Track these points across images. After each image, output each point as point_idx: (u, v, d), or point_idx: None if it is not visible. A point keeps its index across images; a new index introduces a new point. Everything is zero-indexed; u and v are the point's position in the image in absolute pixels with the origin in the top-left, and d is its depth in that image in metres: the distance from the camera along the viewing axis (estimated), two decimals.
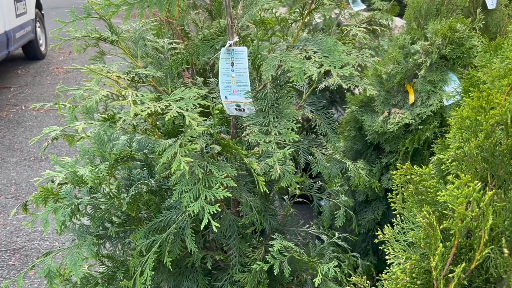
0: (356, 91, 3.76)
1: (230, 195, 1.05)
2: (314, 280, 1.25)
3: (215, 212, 1.02)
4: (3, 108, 6.08)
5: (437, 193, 0.98)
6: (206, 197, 1.03)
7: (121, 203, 1.23)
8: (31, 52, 8.09)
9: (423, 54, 2.20)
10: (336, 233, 1.72)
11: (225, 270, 1.55)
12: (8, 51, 6.51)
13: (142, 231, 1.25)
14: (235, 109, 1.33)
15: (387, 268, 1.12)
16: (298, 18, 1.38)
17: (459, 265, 0.88)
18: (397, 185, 1.11)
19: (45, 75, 7.57)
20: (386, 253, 1.06)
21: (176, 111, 0.93)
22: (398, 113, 2.18)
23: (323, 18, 3.83)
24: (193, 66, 2.39)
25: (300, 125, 1.49)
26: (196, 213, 1.01)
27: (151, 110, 0.92)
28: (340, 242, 1.69)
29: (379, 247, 2.38)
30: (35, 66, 8.00)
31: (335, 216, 1.65)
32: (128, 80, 1.26)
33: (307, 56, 1.08)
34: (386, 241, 1.09)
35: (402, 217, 1.16)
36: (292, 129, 1.13)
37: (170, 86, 1.45)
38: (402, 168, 1.08)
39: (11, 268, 3.27)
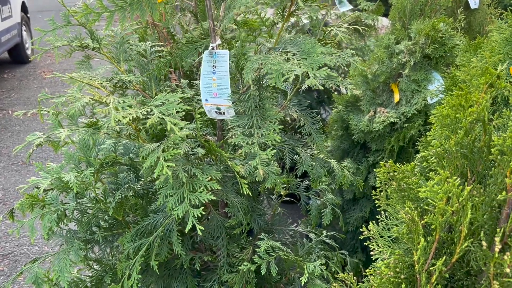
0: (344, 91, 3.78)
1: (215, 198, 1.06)
2: (300, 279, 1.27)
3: (200, 215, 1.03)
4: None
5: (419, 190, 1.01)
6: (190, 201, 1.04)
7: (108, 208, 1.24)
8: (17, 56, 8.01)
9: (407, 54, 2.23)
10: (324, 232, 1.74)
11: (214, 270, 1.56)
12: None
13: (129, 234, 1.25)
14: (215, 112, 1.34)
15: (373, 264, 1.15)
16: (279, 20, 1.39)
17: (440, 259, 0.90)
18: (380, 183, 1.13)
19: (31, 79, 7.50)
20: (371, 249, 1.07)
21: (158, 117, 0.94)
22: (383, 112, 2.20)
23: (310, 19, 3.86)
24: (180, 68, 2.39)
25: (283, 126, 1.50)
26: (180, 216, 1.02)
27: (132, 116, 0.93)
28: (327, 240, 1.71)
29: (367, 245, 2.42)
30: (21, 70, 7.92)
31: (323, 214, 1.66)
32: (111, 86, 1.26)
33: (286, 58, 1.09)
34: (371, 237, 1.11)
35: (386, 214, 1.18)
36: (275, 131, 1.14)
37: (154, 90, 1.46)
38: (385, 165, 1.10)
39: (0, 274, 3.25)
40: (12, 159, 4.84)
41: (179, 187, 1.06)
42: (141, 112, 0.95)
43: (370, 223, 1.11)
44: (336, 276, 1.55)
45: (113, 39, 1.48)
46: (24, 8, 8.25)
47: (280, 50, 1.14)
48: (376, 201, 1.16)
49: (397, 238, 1.12)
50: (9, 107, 6.22)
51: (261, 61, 1.07)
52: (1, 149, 5.05)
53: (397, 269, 0.99)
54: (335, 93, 3.39)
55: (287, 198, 1.78)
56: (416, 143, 2.08)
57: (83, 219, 1.33)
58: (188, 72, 2.49)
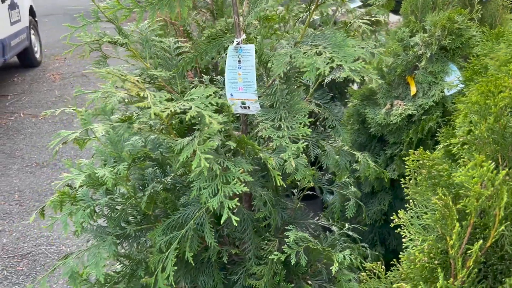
0: (355, 86, 3.79)
1: (248, 189, 1.08)
2: (330, 268, 1.28)
3: (234, 206, 1.05)
4: (2, 116, 6.08)
5: (451, 176, 1.02)
6: (224, 192, 1.05)
7: (139, 203, 1.26)
8: (27, 60, 8.08)
9: (423, 46, 2.23)
10: (346, 224, 1.75)
11: (240, 263, 1.58)
12: (4, 59, 6.51)
13: (160, 228, 1.27)
14: (240, 107, 1.36)
15: (402, 252, 1.16)
16: (304, 14, 1.40)
17: (475, 243, 0.91)
18: (410, 171, 1.14)
19: (41, 82, 7.57)
20: (403, 236, 1.09)
21: (196, 111, 0.96)
22: (400, 104, 2.21)
23: (320, 15, 3.86)
24: (197, 65, 2.41)
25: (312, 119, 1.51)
26: (215, 208, 1.03)
27: (170, 111, 0.95)
28: (350, 233, 1.72)
29: (386, 238, 2.42)
30: (31, 73, 7.99)
31: (346, 207, 1.68)
32: (141, 82, 1.28)
33: (317, 51, 1.10)
34: (402, 225, 1.12)
35: (415, 202, 1.19)
36: (305, 124, 1.16)
37: (179, 86, 1.48)
38: (414, 153, 1.11)
39: (20, 274, 3.29)
40: (26, 161, 4.89)
41: (212, 179, 1.08)
42: (178, 107, 0.97)
43: (400, 211, 1.12)
44: (363, 266, 1.57)
45: (136, 36, 1.50)
46: (32, 12, 8.32)
47: (309, 43, 1.16)
48: (405, 190, 1.17)
49: (427, 226, 1.13)
50: (21, 110, 6.28)
51: (292, 54, 1.08)
52: (15, 152, 5.10)
53: (431, 255, 1.00)
54: (348, 87, 3.39)
55: (308, 192, 1.79)
56: (436, 135, 2.09)
57: (112, 215, 1.35)
58: (204, 70, 2.51)
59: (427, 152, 1.08)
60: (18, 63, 8.23)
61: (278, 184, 1.09)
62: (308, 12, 1.36)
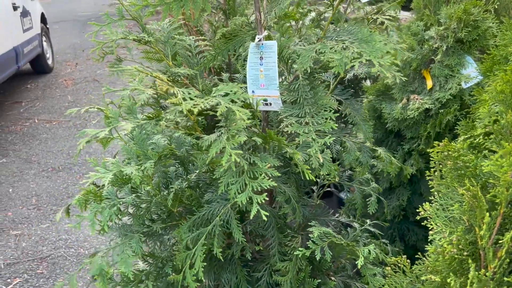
0: (367, 83, 3.78)
1: (276, 184, 1.09)
2: (356, 262, 1.28)
3: (262, 201, 1.06)
4: (17, 122, 6.16)
5: (478, 166, 1.01)
6: (252, 188, 1.06)
7: (164, 200, 1.27)
8: (39, 66, 8.18)
9: (438, 39, 2.22)
10: (368, 220, 1.75)
11: (263, 260, 1.59)
12: (17, 66, 6.60)
13: (186, 225, 1.28)
14: (262, 103, 1.36)
15: (423, 247, 1.15)
16: (327, 9, 1.40)
17: (506, 233, 0.91)
18: (434, 163, 1.14)
19: (54, 88, 7.65)
20: (430, 228, 1.08)
21: (225, 106, 0.97)
22: (417, 99, 2.20)
23: (332, 12, 3.86)
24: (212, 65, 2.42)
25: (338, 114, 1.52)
26: (243, 203, 1.04)
27: (200, 107, 0.96)
28: (371, 229, 1.72)
29: (405, 234, 2.41)
30: (43, 79, 8.09)
31: (368, 203, 1.67)
32: (167, 79, 1.30)
33: (344, 46, 1.11)
34: (428, 217, 1.11)
35: (439, 194, 1.19)
36: (331, 119, 1.16)
37: (200, 84, 1.49)
38: (438, 145, 1.11)
39: (40, 276, 3.33)
40: (42, 166, 4.95)
41: (239, 175, 1.09)
42: (208, 102, 0.98)
43: (425, 203, 1.12)
44: (386, 260, 1.56)
45: (160, 34, 1.52)
46: (43, 19, 8.42)
47: (334, 39, 1.16)
48: (430, 182, 1.17)
49: (453, 218, 1.13)
50: (35, 116, 6.36)
51: (319, 50, 1.09)
52: (31, 157, 5.16)
53: (460, 246, 1.00)
54: (361, 84, 3.39)
55: (327, 189, 1.79)
56: (454, 128, 2.08)
57: (138, 213, 1.36)
58: (218, 70, 2.53)
59: (452, 143, 1.08)
60: (31, 70, 8.34)
61: (308, 178, 1.09)
62: (331, 8, 1.36)
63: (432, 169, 1.14)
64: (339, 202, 3.03)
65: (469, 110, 2.10)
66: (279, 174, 1.11)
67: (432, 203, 1.15)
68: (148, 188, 1.30)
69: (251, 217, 1.03)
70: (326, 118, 1.16)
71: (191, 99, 0.99)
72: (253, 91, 1.41)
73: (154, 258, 1.52)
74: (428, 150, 1.20)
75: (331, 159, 1.28)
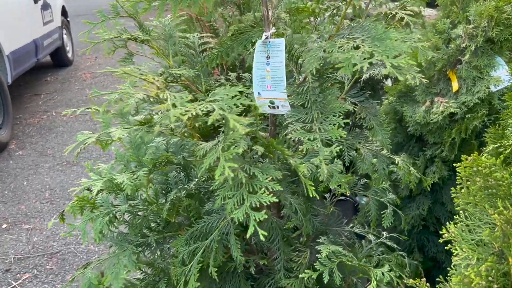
0: (389, 82, 3.62)
1: (277, 200, 0.98)
2: (367, 286, 1.16)
3: (261, 219, 0.95)
4: (35, 115, 6.19)
5: None
6: (251, 203, 0.96)
7: (160, 209, 1.18)
8: (59, 59, 8.22)
9: (467, 38, 2.06)
10: (384, 233, 1.62)
11: (268, 275, 1.48)
12: (37, 59, 6.63)
13: (183, 238, 1.19)
14: (269, 106, 1.25)
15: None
16: (341, 4, 1.27)
17: None
18: (461, 179, 1.01)
19: (73, 81, 7.68)
20: (454, 254, 0.95)
21: (219, 113, 0.86)
22: (441, 102, 2.05)
23: (353, 8, 3.71)
24: (224, 62, 2.32)
25: (348, 120, 1.39)
26: (241, 220, 0.94)
27: (192, 113, 0.85)
28: (388, 243, 1.59)
29: (425, 244, 2.27)
30: (63, 72, 8.13)
31: (383, 216, 1.54)
32: (162, 81, 1.20)
33: (355, 45, 0.98)
34: (452, 240, 0.98)
35: (466, 214, 1.05)
36: (339, 125, 1.04)
37: (204, 84, 1.38)
38: (466, 159, 0.98)
39: (49, 272, 3.30)
40: (57, 159, 4.94)
41: (238, 188, 0.98)
42: (200, 109, 0.88)
43: (450, 224, 0.99)
44: (398, 280, 1.44)
45: (158, 32, 1.42)
46: (64, 12, 8.46)
47: (345, 36, 1.04)
48: (455, 199, 1.03)
49: (481, 241, 1.00)
50: (53, 109, 6.38)
51: (327, 49, 0.97)
52: (46, 150, 5.17)
53: (490, 278, 0.87)
54: (381, 84, 3.23)
55: (341, 197, 1.67)
56: (481, 135, 1.93)
57: (134, 221, 1.27)
58: (231, 67, 2.42)
59: (482, 158, 0.95)
60: (50, 63, 8.39)
61: (311, 195, 0.98)
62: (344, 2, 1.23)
63: (458, 186, 1.01)
64: (355, 206, 2.90)
65: (499, 115, 1.94)
66: (282, 188, 1.00)
67: (456, 223, 1.02)
68: (145, 196, 1.21)
69: (247, 236, 0.92)
70: (335, 124, 1.04)
71: (182, 104, 0.88)
72: (259, 93, 1.30)
73: (152, 268, 1.43)
74: (451, 159, 1.06)
75: (342, 169, 1.15)
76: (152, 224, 1.34)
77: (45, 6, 7.19)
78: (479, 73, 1.98)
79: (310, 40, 1.87)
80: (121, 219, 1.29)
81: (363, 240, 1.61)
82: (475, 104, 1.94)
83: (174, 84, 1.27)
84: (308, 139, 1.05)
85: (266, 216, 0.95)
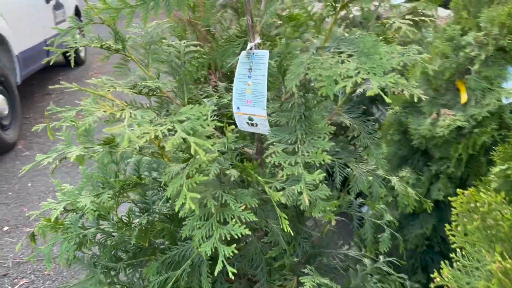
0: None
1: (249, 232, 0.88)
2: None
3: (231, 254, 0.85)
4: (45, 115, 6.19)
5: None
6: (220, 235, 0.86)
7: (131, 233, 1.09)
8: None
9: (477, 47, 1.93)
10: (381, 257, 1.51)
11: None
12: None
13: (155, 265, 1.10)
14: (247, 123, 1.15)
15: None
16: (330, 13, 1.17)
17: None
18: (456, 215, 0.90)
19: (84, 81, 7.67)
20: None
21: (181, 136, 0.76)
22: (448, 114, 1.93)
23: (361, 10, 3.58)
24: (220, 69, 2.23)
25: (334, 135, 1.28)
26: (209, 255, 0.84)
27: (150, 136, 0.76)
28: (385, 268, 1.48)
29: (429, 264, 2.14)
30: (75, 72, 8.15)
31: (380, 240, 1.43)
32: (136, 93, 1.11)
33: (340, 60, 0.88)
34: (445, 286, 0.88)
35: (463, 253, 0.94)
36: (324, 149, 0.94)
37: (187, 96, 1.29)
38: (463, 194, 0.87)
39: (47, 278, 3.25)
40: (62, 161, 4.91)
41: (208, 218, 0.89)
42: (161, 131, 0.79)
43: (444, 266, 0.88)
44: None
45: (143, 38, 1.33)
46: (77, 12, 8.47)
47: (332, 49, 0.93)
48: (451, 237, 0.92)
49: None
50: None
51: (309, 64, 0.87)
52: None
53: None
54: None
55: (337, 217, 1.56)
56: (490, 151, 1.80)
57: (107, 243, 1.19)
58: (229, 73, 2.32)
59: (480, 193, 0.83)
60: (63, 62, 8.42)
61: (286, 230, 0.87)
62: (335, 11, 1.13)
63: (453, 223, 0.89)
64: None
65: (510, 131, 1.81)
66: (256, 219, 0.90)
67: (452, 264, 0.91)
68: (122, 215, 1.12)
69: (215, 273, 0.83)
70: (319, 148, 0.93)
71: (139, 125, 0.79)
72: (238, 107, 1.20)
73: None
74: (457, 176, 0.95)
75: (328, 194, 1.05)
76: (128, 246, 1.25)
77: (58, 6, 7.20)
78: (489, 84, 1.85)
79: (312, 48, 1.77)
80: (93, 240, 1.21)
81: (358, 265, 1.50)
82: (484, 117, 1.81)
83: (151, 96, 1.19)
84: (289, 164, 0.95)
85: (236, 252, 0.85)
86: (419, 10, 3.57)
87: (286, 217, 0.88)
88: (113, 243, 1.16)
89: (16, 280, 3.22)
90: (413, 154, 2.11)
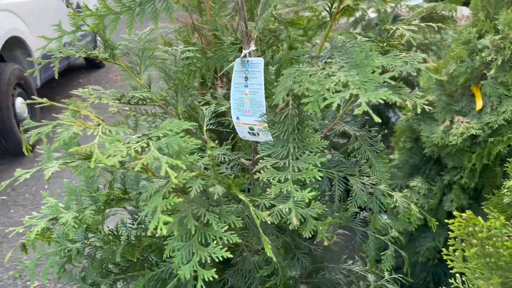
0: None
1: (231, 255, 0.83)
2: None
3: (210, 279, 0.80)
4: None
5: None
6: (200, 258, 0.81)
7: (118, 248, 1.05)
8: (92, 61, 8.35)
9: (493, 51, 1.83)
10: (386, 273, 1.44)
11: None
12: (68, 61, 6.73)
13: (141, 283, 1.06)
14: (248, 132, 1.10)
15: None
16: (327, 19, 1.10)
17: None
18: (455, 239, 0.83)
19: (103, 83, 7.77)
20: None
21: (153, 156, 0.71)
22: (462, 121, 1.83)
23: (378, 12, 3.49)
24: (227, 74, 2.19)
25: (333, 147, 1.22)
26: (188, 279, 0.80)
27: (122, 155, 0.72)
28: (389, 286, 1.41)
29: (442, 278, 2.05)
30: (95, 74, 8.25)
31: (383, 257, 1.36)
32: (125, 103, 1.07)
33: (331, 72, 0.82)
34: None
35: (463, 279, 0.87)
36: (315, 166, 0.88)
37: (181, 105, 1.25)
38: (461, 217, 0.80)
39: (58, 282, 3.27)
40: None
41: (188, 238, 0.84)
42: (134, 148, 0.74)
43: None
44: None
45: (136, 44, 1.30)
46: None
47: (324, 60, 0.87)
48: (449, 262, 0.85)
49: None
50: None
51: (296, 78, 0.81)
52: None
53: None
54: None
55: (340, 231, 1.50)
56: (505, 162, 1.70)
57: (96, 256, 1.16)
58: None
59: (478, 217, 0.76)
60: (84, 65, 8.55)
61: (269, 254, 0.82)
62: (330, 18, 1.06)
63: (450, 247, 0.82)
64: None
65: None
66: (239, 240, 0.85)
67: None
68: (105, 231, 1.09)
69: None
70: (310, 164, 0.88)
71: (111, 143, 0.75)
72: (237, 118, 1.15)
73: None
74: (471, 186, 0.88)
75: (320, 212, 0.98)
76: (117, 260, 1.21)
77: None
78: (506, 90, 1.75)
79: (306, 58, 1.72)
80: (82, 253, 1.18)
81: (361, 282, 1.43)
82: (500, 125, 1.71)
83: (142, 105, 1.15)
84: (278, 181, 0.90)
85: (216, 276, 0.80)
86: (437, 11, 3.46)
87: (269, 243, 0.82)
88: (103, 257, 1.13)
89: (28, 282, 3.25)
90: (426, 162, 2.02)
